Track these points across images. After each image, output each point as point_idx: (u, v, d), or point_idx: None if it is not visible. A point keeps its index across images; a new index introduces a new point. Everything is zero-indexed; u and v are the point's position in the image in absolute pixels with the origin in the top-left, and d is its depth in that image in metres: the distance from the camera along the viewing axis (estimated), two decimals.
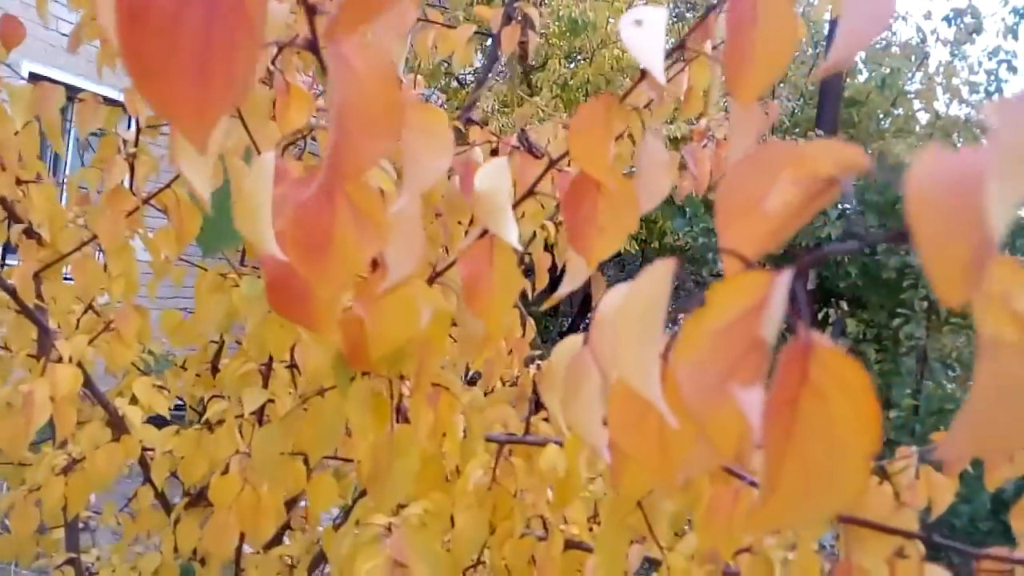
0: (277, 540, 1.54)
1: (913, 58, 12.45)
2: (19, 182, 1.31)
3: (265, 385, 1.25)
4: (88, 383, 1.34)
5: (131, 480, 1.60)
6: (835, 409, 0.34)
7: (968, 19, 12.33)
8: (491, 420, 1.13)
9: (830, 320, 7.86)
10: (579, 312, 9.97)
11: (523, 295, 1.77)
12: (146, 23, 0.32)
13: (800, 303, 0.37)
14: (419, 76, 2.11)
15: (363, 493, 1.12)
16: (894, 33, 12.88)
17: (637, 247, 9.66)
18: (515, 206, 0.89)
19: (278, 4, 0.91)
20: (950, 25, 12.53)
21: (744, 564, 1.06)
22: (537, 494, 1.13)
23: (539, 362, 1.48)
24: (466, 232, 1.39)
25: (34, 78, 5.67)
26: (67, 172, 6.02)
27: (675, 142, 7.07)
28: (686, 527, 1.14)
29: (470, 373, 1.84)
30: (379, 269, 0.72)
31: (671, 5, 10.77)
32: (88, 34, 1.30)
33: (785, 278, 0.29)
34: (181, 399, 1.62)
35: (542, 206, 1.51)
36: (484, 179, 0.71)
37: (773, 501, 0.36)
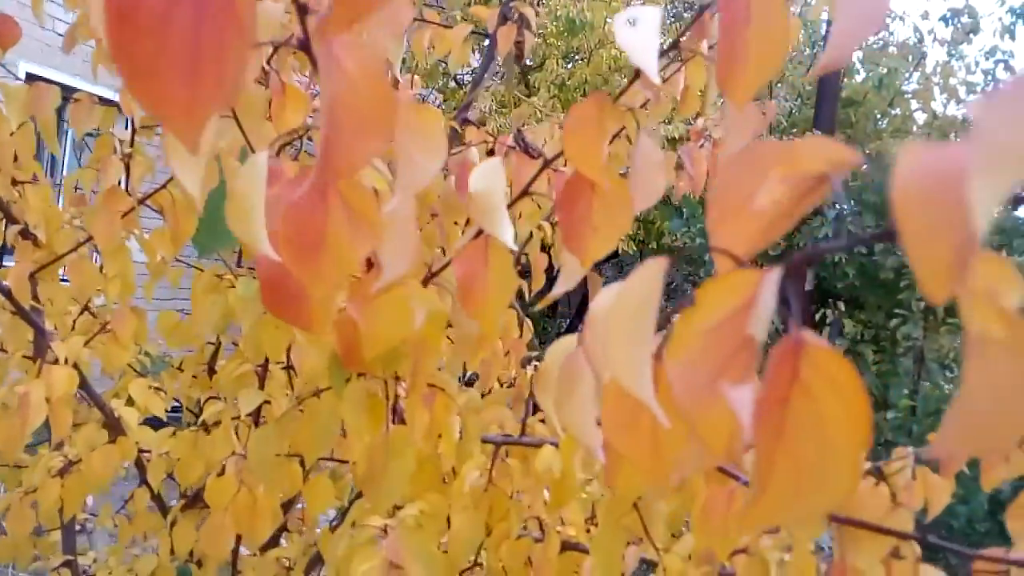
0: (274, 542, 1.53)
1: (910, 58, 12.46)
2: (15, 183, 1.30)
3: (261, 386, 1.24)
4: (84, 384, 1.34)
5: (128, 482, 1.60)
6: (826, 408, 0.34)
7: (965, 19, 12.34)
8: (487, 421, 1.13)
9: (827, 321, 7.87)
10: (577, 313, 9.97)
11: (520, 296, 1.77)
12: (135, 23, 0.32)
13: (791, 302, 0.37)
14: (416, 76, 2.11)
15: (359, 495, 1.12)
16: (891, 33, 12.89)
17: (635, 248, 9.66)
18: (510, 206, 0.89)
19: (273, 4, 0.91)
20: (947, 25, 12.54)
21: (740, 565, 1.06)
22: (533, 495, 1.13)
23: (536, 363, 1.48)
24: (463, 233, 1.39)
25: (31, 79, 5.66)
26: (64, 173, 6.02)
27: (673, 142, 7.07)
28: (684, 528, 1.14)
29: (468, 375, 1.84)
30: (373, 269, 0.72)
31: (669, 5, 10.78)
32: (83, 34, 1.30)
33: (773, 276, 0.29)
34: (178, 401, 1.62)
35: (539, 206, 1.51)
36: (479, 179, 0.71)
37: (764, 500, 0.36)
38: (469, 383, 1.77)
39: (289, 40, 0.53)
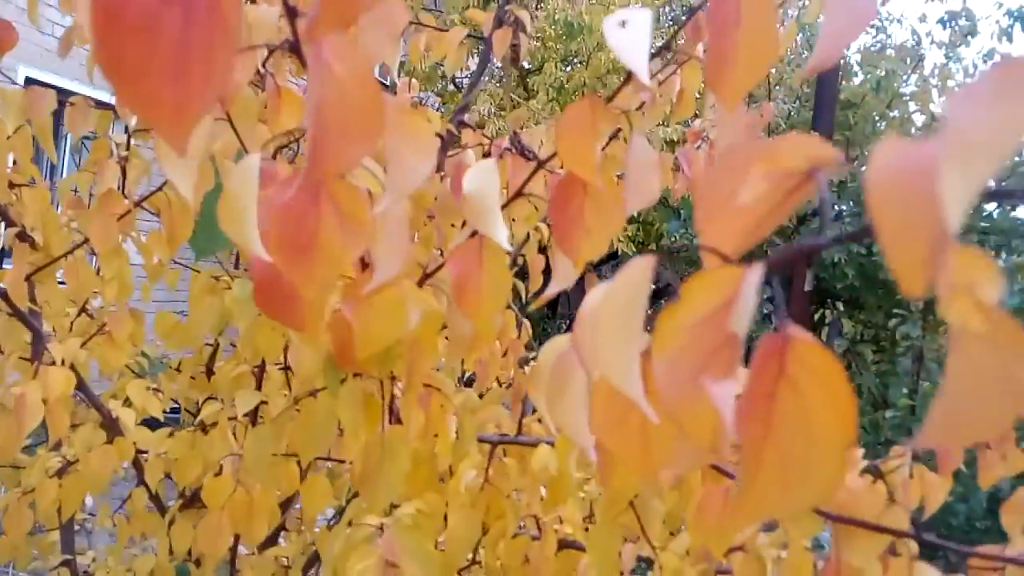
0: (272, 541, 1.54)
1: (908, 60, 12.46)
2: (12, 185, 1.31)
3: (259, 387, 1.25)
4: (81, 386, 1.34)
5: (126, 482, 1.61)
6: (812, 402, 0.35)
7: (963, 21, 12.35)
8: (484, 421, 1.13)
9: (827, 321, 7.88)
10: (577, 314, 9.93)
11: (518, 297, 1.77)
12: (122, 27, 0.32)
13: (778, 298, 0.37)
14: (414, 80, 2.11)
15: (356, 494, 1.12)
16: (889, 36, 12.92)
17: (634, 249, 9.66)
18: (504, 207, 0.89)
19: (268, 7, 0.91)
20: (945, 27, 12.54)
21: (736, 562, 1.06)
22: (530, 494, 1.13)
23: (533, 363, 1.48)
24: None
25: (30, 83, 5.67)
26: (63, 176, 6.02)
27: (671, 144, 7.07)
28: (682, 526, 1.15)
29: (467, 375, 1.84)
30: (367, 270, 0.72)
31: (667, 8, 10.79)
32: (79, 38, 1.30)
33: (755, 273, 0.30)
34: (176, 402, 1.62)
35: (535, 208, 1.51)
36: (473, 180, 0.71)
37: (753, 494, 0.37)
38: (468, 383, 1.77)
39: (284, 43, 0.53)
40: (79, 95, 1.34)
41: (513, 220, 1.53)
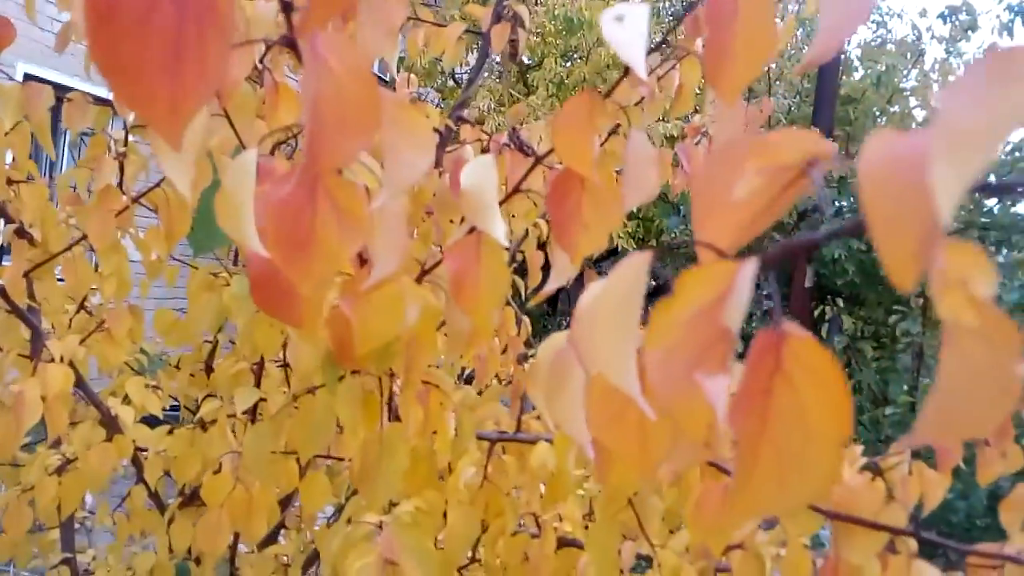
0: (272, 539, 1.54)
1: (909, 55, 12.45)
2: (10, 182, 1.31)
3: (257, 384, 1.25)
4: (80, 383, 1.34)
5: (127, 480, 1.61)
6: (808, 398, 0.35)
7: (963, 16, 12.33)
8: (483, 418, 1.13)
9: (827, 317, 7.88)
10: None
11: (517, 293, 1.77)
12: (116, 21, 0.32)
13: (774, 295, 0.37)
14: (414, 75, 2.11)
15: (356, 491, 1.12)
16: (890, 31, 12.89)
17: (634, 245, 9.67)
18: (502, 203, 0.89)
19: (265, 3, 0.91)
20: (945, 22, 12.53)
21: (735, 560, 1.06)
22: (530, 491, 1.13)
23: (532, 360, 1.48)
24: None
25: (30, 80, 5.66)
26: (62, 172, 6.01)
27: (671, 140, 7.07)
28: (682, 524, 1.15)
29: (467, 372, 1.84)
30: (365, 266, 0.72)
31: (668, 4, 10.78)
32: (76, 34, 1.30)
33: (749, 268, 0.29)
34: (176, 399, 1.62)
35: (535, 204, 1.51)
36: (470, 176, 0.71)
37: (749, 491, 0.36)
38: (468, 381, 1.77)
39: (281, 39, 0.53)
40: (77, 91, 1.34)
41: (513, 216, 1.53)
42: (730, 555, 1.07)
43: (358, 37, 0.72)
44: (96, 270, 1.33)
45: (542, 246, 1.69)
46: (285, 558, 1.49)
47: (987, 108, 0.21)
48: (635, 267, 0.39)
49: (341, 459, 1.24)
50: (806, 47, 11.37)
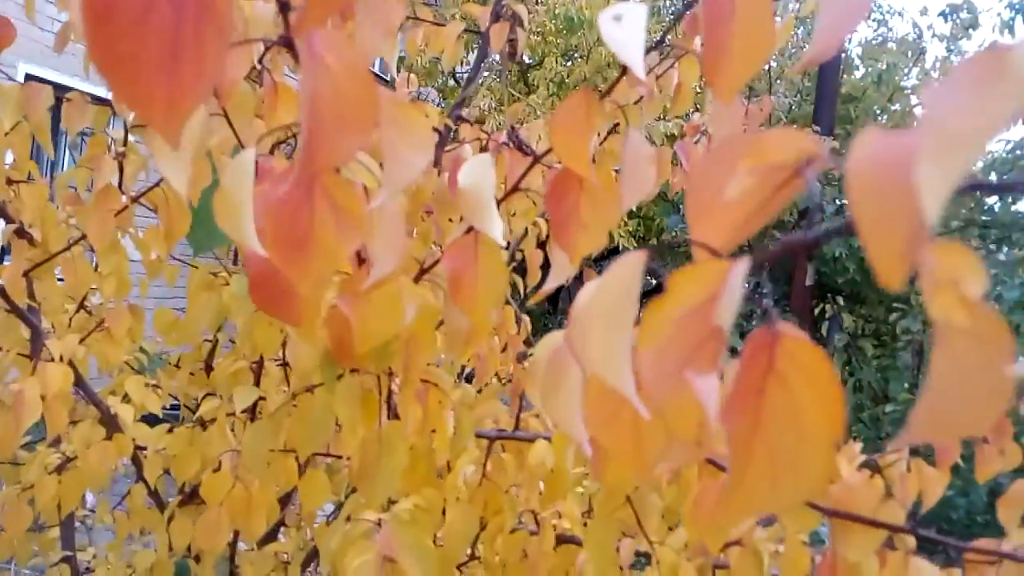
0: (272, 537, 1.54)
1: (909, 54, 12.44)
2: (10, 182, 1.31)
3: (257, 383, 1.25)
4: (80, 382, 1.34)
5: (127, 479, 1.61)
6: (801, 398, 0.35)
7: (964, 14, 12.32)
8: (481, 416, 1.13)
9: (827, 315, 7.88)
10: None
11: (517, 292, 1.78)
12: (114, 20, 0.32)
13: (768, 294, 0.37)
14: (413, 75, 2.11)
15: (355, 489, 1.12)
16: (890, 29, 12.89)
17: (635, 244, 9.67)
18: (501, 202, 0.89)
19: (264, 3, 0.91)
20: (946, 20, 12.51)
21: (734, 556, 1.06)
22: (528, 489, 1.13)
23: (531, 358, 1.48)
24: None
25: (31, 80, 5.66)
26: (63, 172, 6.01)
27: (671, 139, 7.07)
28: (680, 521, 1.15)
29: (467, 371, 1.85)
30: (364, 265, 0.72)
31: (669, 2, 10.77)
32: (75, 33, 1.30)
33: (741, 268, 0.30)
34: (175, 398, 1.62)
35: (534, 203, 1.51)
36: (468, 175, 0.71)
37: (743, 490, 0.37)
38: (468, 379, 1.77)
39: (280, 39, 0.53)
40: (77, 91, 1.34)
41: (512, 215, 1.53)
42: (728, 552, 1.08)
43: (356, 36, 0.72)
44: (96, 270, 1.33)
45: (541, 245, 1.69)
46: (285, 556, 1.49)
47: (974, 108, 0.21)
48: (631, 267, 0.39)
49: (340, 457, 1.24)
50: (807, 46, 11.35)
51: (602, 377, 0.39)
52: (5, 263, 1.34)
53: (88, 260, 1.36)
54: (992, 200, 8.75)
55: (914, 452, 1.30)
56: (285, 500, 1.46)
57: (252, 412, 1.22)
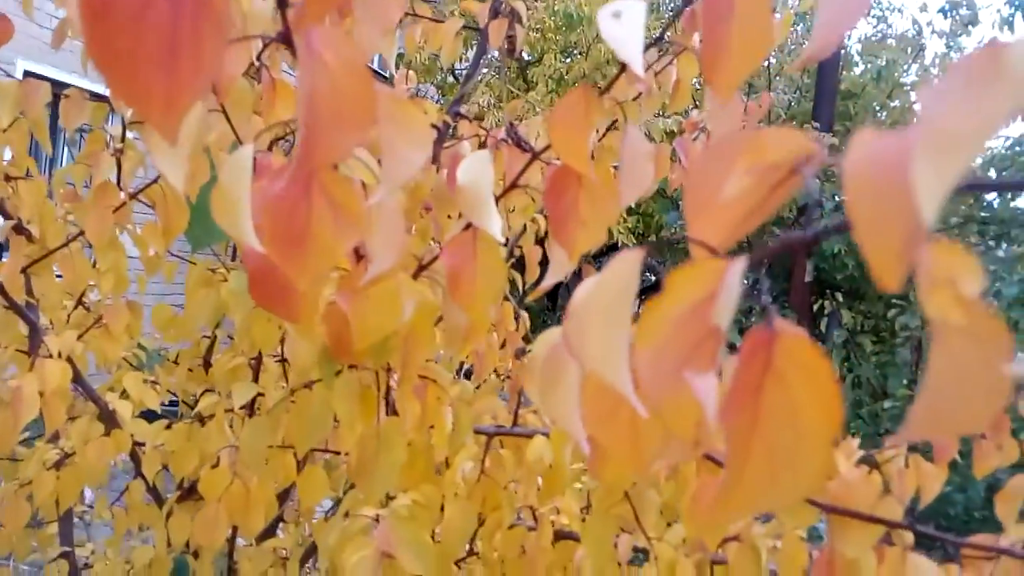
0: (270, 532, 1.54)
1: (909, 50, 12.44)
2: (8, 178, 1.31)
3: (255, 379, 1.25)
4: (78, 378, 1.34)
5: (125, 474, 1.61)
6: (799, 396, 0.35)
7: (964, 11, 12.31)
8: (480, 412, 1.13)
9: (826, 312, 7.89)
10: None
11: (515, 289, 1.77)
12: (111, 16, 0.32)
13: (765, 292, 0.37)
14: (412, 71, 2.11)
15: (353, 485, 1.13)
16: (890, 25, 12.89)
17: (634, 240, 9.66)
18: (499, 199, 0.89)
19: (262, 1, 0.91)
20: (946, 17, 12.51)
21: (732, 552, 1.07)
22: (527, 485, 1.13)
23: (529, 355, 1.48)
24: None
25: (29, 76, 5.66)
26: (61, 168, 6.01)
27: (671, 135, 7.06)
28: (679, 517, 1.15)
29: (466, 367, 1.85)
30: (362, 262, 0.72)
31: (668, 0, 10.75)
32: (72, 30, 1.30)
33: (738, 266, 0.30)
34: (173, 394, 1.62)
35: (532, 200, 1.51)
36: (466, 172, 0.71)
37: (741, 487, 0.37)
38: (467, 375, 1.78)
39: (278, 35, 0.53)
40: (75, 87, 1.34)
41: (511, 211, 1.53)
42: (726, 547, 1.08)
43: (354, 33, 0.72)
44: (94, 266, 1.33)
45: (540, 241, 1.69)
46: (283, 551, 1.49)
47: (971, 107, 0.21)
48: (629, 263, 0.39)
49: (339, 453, 1.24)
50: (806, 42, 11.34)
51: (600, 374, 0.39)
52: (3, 259, 1.34)
53: (86, 256, 1.36)
54: (991, 196, 8.76)
55: (912, 448, 1.30)
56: (283, 496, 1.46)
57: (250, 408, 1.22)
